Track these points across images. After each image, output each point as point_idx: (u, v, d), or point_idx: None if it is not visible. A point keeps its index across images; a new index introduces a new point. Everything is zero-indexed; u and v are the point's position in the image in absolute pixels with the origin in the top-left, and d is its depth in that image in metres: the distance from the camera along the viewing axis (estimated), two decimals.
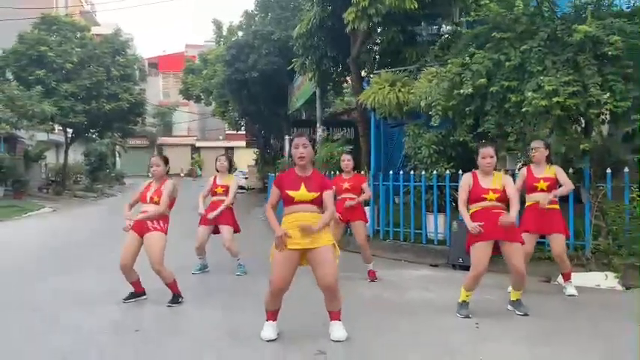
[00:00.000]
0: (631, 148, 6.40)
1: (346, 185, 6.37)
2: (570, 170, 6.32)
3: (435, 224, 7.74)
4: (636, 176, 6.36)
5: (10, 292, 5.72)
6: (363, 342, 4.02)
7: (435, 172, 7.68)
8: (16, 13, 22.77)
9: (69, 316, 4.80)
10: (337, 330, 4.01)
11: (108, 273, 6.51)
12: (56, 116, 20.63)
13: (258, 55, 18.81)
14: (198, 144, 49.14)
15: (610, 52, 5.79)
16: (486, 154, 4.66)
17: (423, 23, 10.02)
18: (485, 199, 4.61)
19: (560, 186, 5.46)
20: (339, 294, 4.03)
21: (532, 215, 5.44)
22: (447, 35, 9.73)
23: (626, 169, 6.22)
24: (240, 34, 25.16)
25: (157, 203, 5.12)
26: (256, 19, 23.07)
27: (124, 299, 5.18)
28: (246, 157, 33.36)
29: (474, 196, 4.66)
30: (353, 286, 5.82)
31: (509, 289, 4.90)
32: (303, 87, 15.96)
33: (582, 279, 5.80)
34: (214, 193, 6.73)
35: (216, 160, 6.96)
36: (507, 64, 6.45)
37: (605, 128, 6.73)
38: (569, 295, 5.40)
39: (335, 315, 4.08)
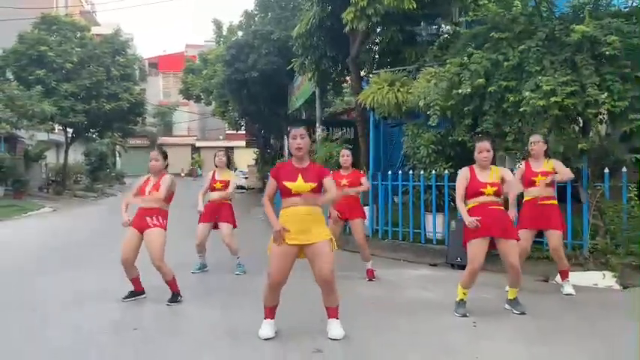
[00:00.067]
0: (629, 148, 6.40)
1: (344, 182, 6.38)
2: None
3: (434, 224, 7.76)
4: (634, 176, 6.39)
5: (10, 292, 5.74)
6: (361, 341, 4.04)
7: (433, 171, 7.71)
8: (17, 13, 22.80)
9: (68, 315, 4.83)
10: (335, 328, 4.04)
11: (107, 272, 6.54)
12: (56, 116, 20.66)
13: (257, 55, 18.83)
14: (198, 144, 49.19)
15: (608, 52, 5.80)
16: (483, 148, 4.68)
17: (422, 23, 10.03)
18: (483, 193, 4.62)
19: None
20: (336, 288, 4.05)
21: (529, 211, 5.47)
22: (446, 35, 9.74)
23: (624, 169, 6.24)
24: (240, 33, 25.18)
25: None
26: (256, 19, 23.10)
27: (124, 298, 5.21)
28: (246, 157, 33.40)
29: (472, 190, 4.67)
30: (351, 285, 5.84)
31: (507, 288, 4.92)
32: (303, 87, 15.98)
33: (580, 278, 5.82)
34: (213, 189, 6.74)
35: (215, 155, 6.97)
36: (505, 64, 6.47)
37: (603, 128, 6.74)
38: (567, 294, 5.41)
39: (333, 312, 4.10)
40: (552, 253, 5.54)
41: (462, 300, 4.72)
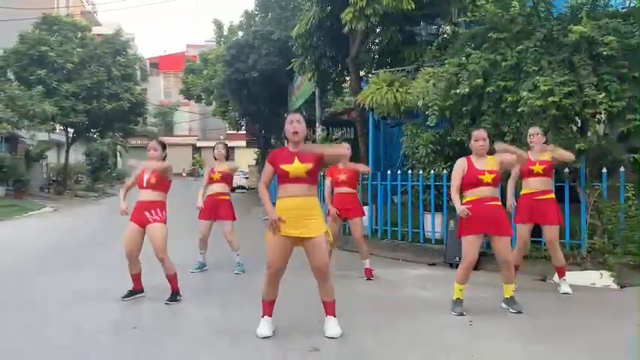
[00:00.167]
0: (626, 148, 6.43)
1: (342, 177, 6.39)
2: (566, 170, 6.39)
3: (433, 223, 7.78)
4: (632, 176, 6.40)
5: (10, 292, 5.77)
6: (358, 340, 4.06)
7: (432, 171, 7.73)
8: (18, 13, 22.84)
9: (68, 315, 4.85)
10: (332, 327, 4.06)
11: (107, 272, 6.59)
12: (57, 116, 20.70)
13: (258, 55, 18.86)
14: (199, 144, 49.20)
15: (605, 53, 5.82)
16: (479, 136, 4.72)
17: (422, 23, 10.06)
18: (481, 181, 4.63)
19: (557, 172, 5.52)
20: (330, 277, 4.10)
21: (526, 205, 5.52)
22: (445, 35, 9.76)
23: (622, 169, 6.25)
24: (240, 34, 25.21)
25: (155, 186, 5.18)
26: (256, 19, 23.12)
27: (123, 297, 5.24)
28: (246, 157, 33.45)
29: (470, 179, 4.68)
30: (350, 285, 5.87)
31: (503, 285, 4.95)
32: (303, 87, 16.01)
33: (577, 277, 5.84)
34: (212, 180, 6.73)
35: (214, 148, 6.97)
36: (504, 64, 6.50)
37: (600, 128, 6.77)
38: (564, 293, 5.43)
39: (330, 309, 4.13)
40: (548, 245, 5.63)
41: (458, 299, 4.75)
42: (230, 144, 7.60)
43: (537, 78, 6.05)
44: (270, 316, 4.16)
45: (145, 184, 5.19)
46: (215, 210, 6.68)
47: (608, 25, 5.99)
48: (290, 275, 4.28)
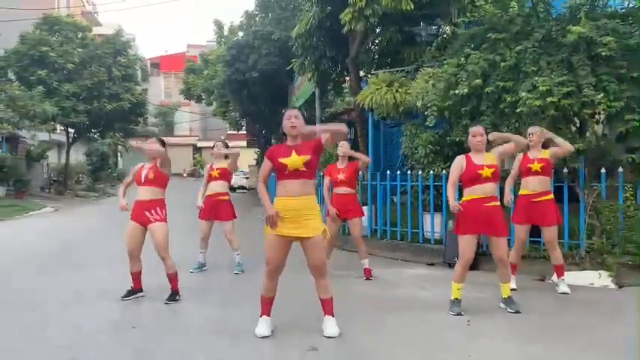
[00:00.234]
0: (625, 148, 6.44)
1: (341, 177, 6.38)
2: (565, 170, 6.39)
3: (432, 224, 7.80)
4: (630, 176, 6.41)
5: (10, 292, 5.79)
6: (357, 339, 4.08)
7: (431, 171, 7.75)
8: (18, 14, 22.88)
9: (68, 314, 4.87)
10: (330, 327, 4.08)
11: (107, 272, 6.60)
12: (58, 116, 20.72)
13: (258, 56, 18.88)
14: (199, 144, 49.18)
15: (604, 53, 5.84)
16: (477, 132, 4.75)
17: (421, 24, 10.07)
18: (481, 175, 4.65)
19: (555, 172, 5.55)
20: (326, 274, 4.14)
21: (524, 206, 5.55)
22: (444, 36, 9.77)
23: (621, 169, 6.27)
24: (240, 34, 25.24)
25: (154, 182, 5.21)
26: (256, 19, 23.13)
27: (122, 297, 5.26)
28: (247, 157, 33.41)
29: (469, 174, 4.70)
30: (349, 284, 5.89)
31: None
32: (303, 87, 16.02)
33: (576, 277, 5.85)
34: (210, 178, 6.74)
35: (213, 145, 6.98)
36: (502, 64, 6.51)
37: (599, 128, 6.78)
38: (562, 293, 5.44)
39: (328, 308, 4.15)
40: (547, 245, 5.67)
41: (456, 299, 4.76)
42: (231, 144, 7.61)
43: (536, 78, 6.07)
44: (268, 315, 4.18)
45: (143, 181, 5.22)
46: (215, 211, 6.70)
47: (606, 25, 6.01)
48: (288, 272, 4.30)
